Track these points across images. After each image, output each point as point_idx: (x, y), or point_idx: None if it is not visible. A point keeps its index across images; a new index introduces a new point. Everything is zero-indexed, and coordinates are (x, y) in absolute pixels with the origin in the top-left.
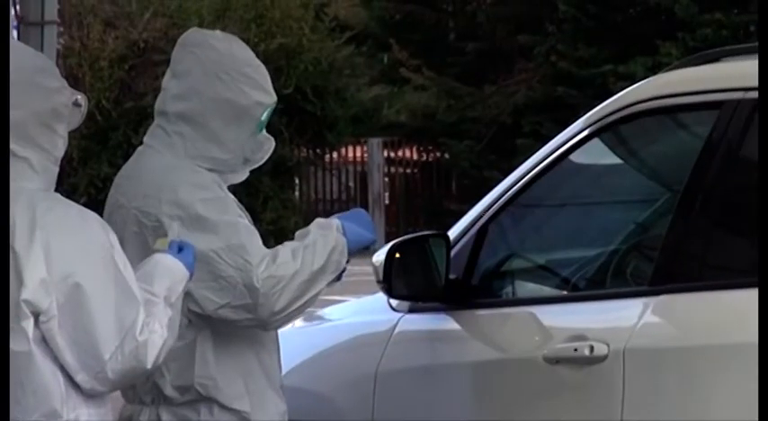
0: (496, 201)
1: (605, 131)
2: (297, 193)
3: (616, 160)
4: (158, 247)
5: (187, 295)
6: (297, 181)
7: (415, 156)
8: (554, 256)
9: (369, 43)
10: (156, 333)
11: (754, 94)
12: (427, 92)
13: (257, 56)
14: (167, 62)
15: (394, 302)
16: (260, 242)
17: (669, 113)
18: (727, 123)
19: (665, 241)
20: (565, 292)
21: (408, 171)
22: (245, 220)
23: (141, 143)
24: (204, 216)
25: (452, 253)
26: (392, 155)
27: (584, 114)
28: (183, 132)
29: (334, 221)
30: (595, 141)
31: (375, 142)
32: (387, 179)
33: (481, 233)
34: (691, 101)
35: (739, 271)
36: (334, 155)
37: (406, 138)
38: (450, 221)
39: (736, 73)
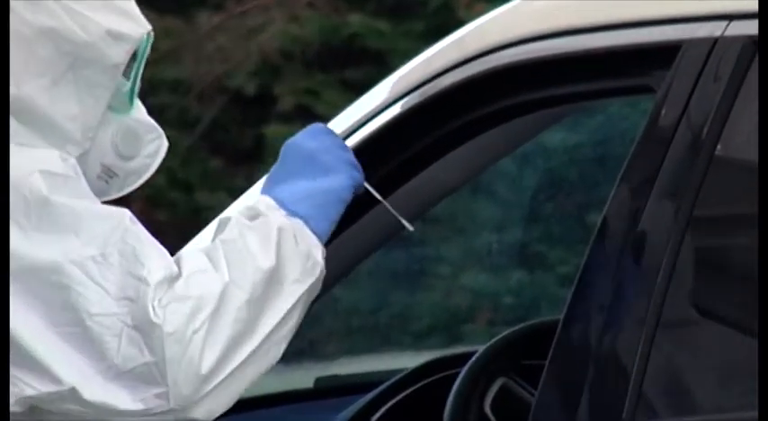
0: None
1: (437, 110)
2: None
3: (464, 169)
4: None
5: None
6: None
7: None
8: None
9: None
10: None
11: (748, 27)
12: None
13: None
14: None
15: None
16: (155, 240)
17: (569, 73)
18: (691, 88)
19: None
20: None
21: None
22: (122, 208)
23: None
24: (52, 200)
25: None
26: None
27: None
28: None
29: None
30: (416, 129)
31: None
32: None
33: None
34: (615, 44)
35: None
36: None
37: None
38: None
39: None
